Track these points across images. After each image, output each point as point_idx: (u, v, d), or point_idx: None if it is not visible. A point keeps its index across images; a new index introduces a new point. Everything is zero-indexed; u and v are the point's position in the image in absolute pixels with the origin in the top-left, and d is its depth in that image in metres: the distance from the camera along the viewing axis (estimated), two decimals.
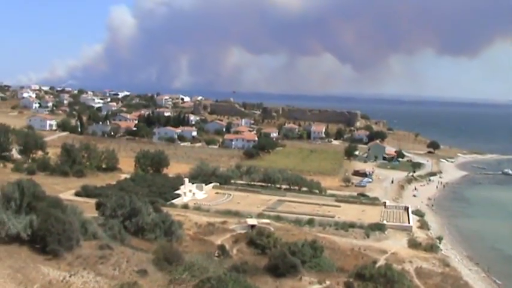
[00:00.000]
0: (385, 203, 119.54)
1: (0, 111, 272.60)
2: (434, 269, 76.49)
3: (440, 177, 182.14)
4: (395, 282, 57.25)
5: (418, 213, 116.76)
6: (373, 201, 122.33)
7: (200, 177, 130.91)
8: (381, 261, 72.19)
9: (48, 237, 48.74)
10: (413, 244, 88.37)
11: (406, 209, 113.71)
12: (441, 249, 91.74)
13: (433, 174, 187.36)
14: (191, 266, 40.64)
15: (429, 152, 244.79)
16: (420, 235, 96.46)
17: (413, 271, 72.28)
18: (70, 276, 24.33)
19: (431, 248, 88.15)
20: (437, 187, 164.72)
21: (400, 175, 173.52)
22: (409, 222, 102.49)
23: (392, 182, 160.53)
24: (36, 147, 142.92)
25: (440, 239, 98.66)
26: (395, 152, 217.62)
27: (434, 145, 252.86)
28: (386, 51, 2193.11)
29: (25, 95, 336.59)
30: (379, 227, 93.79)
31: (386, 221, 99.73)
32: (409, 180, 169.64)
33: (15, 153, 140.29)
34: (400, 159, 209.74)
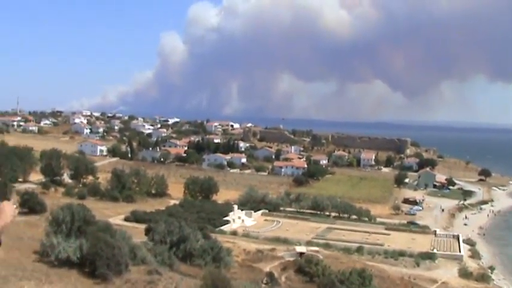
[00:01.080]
0: (435, 231, 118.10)
1: (52, 137, 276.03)
2: None
3: (491, 206, 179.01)
4: None
5: (469, 242, 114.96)
6: (423, 230, 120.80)
7: (249, 204, 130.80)
8: None
9: (97, 261, 48.96)
10: (465, 274, 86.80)
11: (457, 237, 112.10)
12: (493, 279, 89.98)
13: (484, 202, 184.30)
14: None
15: (480, 180, 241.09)
16: (471, 264, 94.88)
17: None
18: None
19: (483, 277, 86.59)
20: (488, 215, 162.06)
21: (450, 203, 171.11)
22: (460, 251, 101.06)
23: (442, 210, 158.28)
24: (86, 172, 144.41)
25: (492, 268, 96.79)
26: (446, 179, 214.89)
27: (485, 173, 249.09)
28: (438, 78, 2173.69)
29: (76, 120, 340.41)
30: (429, 256, 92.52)
31: (437, 250, 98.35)
32: (460, 209, 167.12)
33: (66, 178, 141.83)
34: (450, 187, 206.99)
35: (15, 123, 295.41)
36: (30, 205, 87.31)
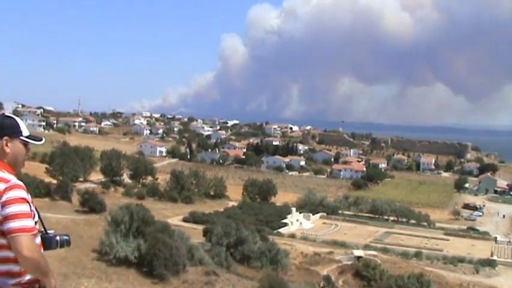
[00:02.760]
0: (496, 237, 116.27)
1: (112, 137, 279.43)
2: None
3: None
4: None
5: None
6: (484, 236, 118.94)
7: (307, 206, 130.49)
8: None
9: (155, 261, 49.34)
10: None
11: None
12: None
13: None
14: None
15: None
16: None
17: None
18: None
19: None
20: None
21: (511, 209, 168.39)
22: None
23: (504, 216, 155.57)
24: (146, 172, 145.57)
25: None
26: (507, 185, 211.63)
27: None
28: (501, 81, 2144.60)
29: (136, 121, 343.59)
30: (489, 263, 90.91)
31: (497, 257, 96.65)
32: None
33: (126, 178, 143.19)
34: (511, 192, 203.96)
35: (76, 123, 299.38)
36: (90, 204, 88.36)
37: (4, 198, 4.34)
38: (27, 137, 4.73)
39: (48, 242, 4.59)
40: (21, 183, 4.48)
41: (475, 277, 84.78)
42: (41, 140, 4.90)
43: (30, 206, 4.49)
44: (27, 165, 4.83)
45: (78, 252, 51.29)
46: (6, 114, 4.80)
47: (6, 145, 4.63)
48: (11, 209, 4.34)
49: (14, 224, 4.33)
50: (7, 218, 4.33)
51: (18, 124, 4.70)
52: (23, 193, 4.41)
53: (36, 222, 4.52)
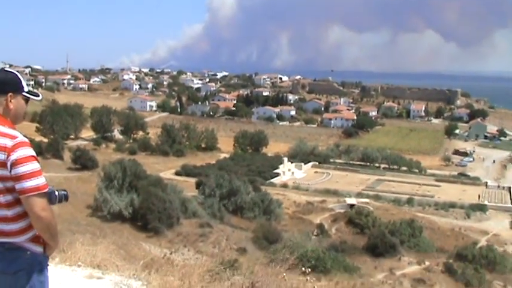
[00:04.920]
0: (486, 183, 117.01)
1: (102, 94, 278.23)
2: None
3: None
4: (497, 264, 56.09)
5: None
6: (474, 181, 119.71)
7: (299, 156, 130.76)
8: (482, 243, 70.79)
9: (149, 215, 49.76)
10: None
11: (509, 189, 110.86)
12: None
13: None
14: (290, 244, 40.61)
15: None
16: None
17: None
18: (171, 254, 24.84)
19: None
20: None
21: (502, 154, 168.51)
22: (511, 203, 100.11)
23: (494, 161, 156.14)
24: (137, 127, 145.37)
25: None
26: (497, 130, 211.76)
27: None
28: (492, 27, 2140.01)
29: (125, 77, 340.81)
30: (480, 208, 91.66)
31: (488, 202, 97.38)
32: None
33: (117, 134, 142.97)
34: (502, 138, 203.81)
35: (65, 81, 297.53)
36: (82, 161, 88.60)
37: (14, 156, 4.32)
38: (27, 92, 4.71)
39: (48, 198, 4.55)
40: (27, 140, 4.50)
41: (466, 222, 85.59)
42: (39, 95, 4.90)
43: (39, 162, 4.55)
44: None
45: (72, 209, 51.54)
46: (6, 69, 4.74)
47: (11, 101, 4.61)
48: (24, 168, 4.35)
49: (28, 184, 4.35)
50: (21, 177, 4.34)
51: (20, 79, 4.66)
52: (31, 150, 4.43)
53: None
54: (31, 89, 4.83)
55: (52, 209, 4.56)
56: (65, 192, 4.79)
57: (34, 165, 4.41)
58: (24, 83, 4.69)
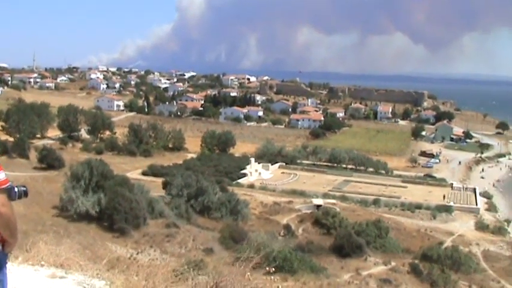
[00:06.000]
0: (452, 184, 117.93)
1: (69, 93, 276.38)
2: (502, 252, 74.83)
3: (509, 159, 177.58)
4: (462, 264, 56.65)
5: (486, 195, 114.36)
6: (440, 183, 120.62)
7: (266, 156, 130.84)
8: (448, 243, 71.50)
9: (115, 215, 49.56)
10: (481, 226, 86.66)
11: (474, 190, 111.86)
12: (509, 232, 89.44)
13: (501, 155, 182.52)
14: (256, 244, 40.62)
15: (498, 133, 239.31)
16: (488, 217, 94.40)
17: (481, 254, 71.02)
18: (137, 254, 24.83)
19: (499, 230, 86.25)
20: (504, 169, 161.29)
21: (467, 156, 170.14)
22: (476, 204, 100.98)
23: (459, 163, 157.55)
24: (104, 127, 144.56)
25: (508, 221, 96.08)
26: (463, 132, 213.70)
27: (503, 126, 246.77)
28: (461, 30, 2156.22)
29: (93, 76, 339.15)
30: (446, 209, 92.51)
31: (454, 203, 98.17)
32: (477, 162, 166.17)
33: (83, 133, 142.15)
34: (467, 140, 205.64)
35: (31, 80, 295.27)
36: (48, 161, 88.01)
37: None
38: None
39: (8, 194, 4.49)
40: None
41: (432, 223, 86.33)
42: None
43: None
44: None
45: (38, 209, 51.20)
46: None
47: None
48: None
49: None
50: None
51: None
52: None
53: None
54: None
55: (12, 205, 4.46)
56: (25, 188, 4.69)
57: None
58: None
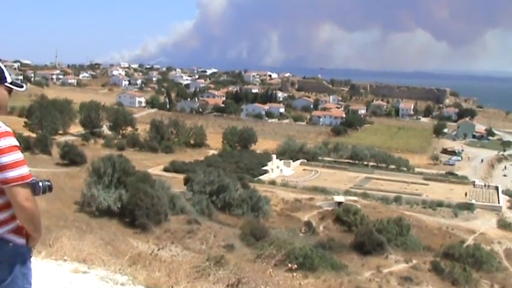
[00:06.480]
0: (474, 182, 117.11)
1: (90, 89, 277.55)
2: None
3: None
4: (484, 262, 56.34)
5: (509, 193, 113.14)
6: (462, 180, 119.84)
7: (287, 153, 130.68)
8: (469, 241, 71.00)
9: (137, 211, 49.69)
10: (503, 225, 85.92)
11: (496, 188, 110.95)
12: None
13: None
14: (278, 241, 40.63)
15: None
16: (510, 215, 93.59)
17: (503, 252, 70.53)
18: (159, 250, 24.83)
19: None
20: None
21: (489, 154, 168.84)
22: (498, 202, 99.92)
23: (481, 161, 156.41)
24: (125, 123, 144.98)
25: None
26: (485, 130, 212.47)
27: None
28: (483, 27, 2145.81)
29: (115, 72, 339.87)
30: (467, 207, 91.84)
31: (475, 201, 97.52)
32: (499, 159, 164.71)
33: (105, 130, 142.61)
34: (490, 137, 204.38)
35: (54, 76, 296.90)
36: (70, 157, 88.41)
37: None
38: (10, 83, 4.56)
39: (32, 189, 4.45)
40: (10, 129, 4.41)
41: (454, 220, 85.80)
42: (23, 86, 4.78)
43: (22, 152, 4.46)
44: (5, 120, 4.79)
45: (60, 204, 51.44)
46: None
47: None
48: (7, 158, 4.26)
49: (12, 174, 4.27)
50: (4, 167, 4.25)
51: (2, 70, 4.55)
52: (15, 140, 4.34)
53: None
54: (14, 79, 4.73)
55: (35, 200, 4.48)
56: (49, 183, 4.71)
57: (18, 155, 4.33)
58: (6, 73, 4.57)
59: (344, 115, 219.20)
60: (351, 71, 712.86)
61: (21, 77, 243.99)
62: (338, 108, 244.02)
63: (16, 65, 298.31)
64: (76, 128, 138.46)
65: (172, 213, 54.75)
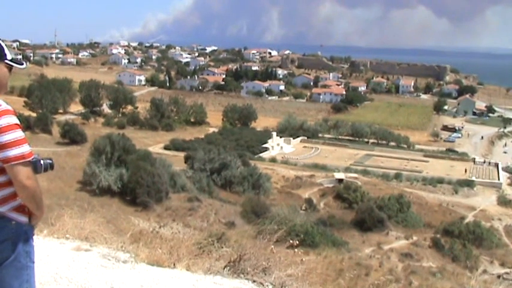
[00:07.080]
0: (474, 158, 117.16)
1: (90, 68, 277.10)
2: None
3: None
4: (484, 239, 56.52)
5: (509, 169, 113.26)
6: (462, 157, 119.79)
7: (288, 131, 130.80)
8: (469, 218, 71.17)
9: (138, 190, 49.77)
10: (503, 201, 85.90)
11: (496, 165, 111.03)
12: None
13: None
14: (278, 218, 40.64)
15: None
16: (510, 192, 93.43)
17: (502, 229, 70.64)
18: (160, 227, 24.90)
19: None
20: None
21: (490, 131, 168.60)
22: (498, 179, 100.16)
23: (482, 137, 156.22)
24: (125, 102, 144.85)
25: None
26: (486, 107, 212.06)
27: None
28: (485, 4, 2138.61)
29: (114, 51, 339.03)
30: (467, 183, 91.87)
31: (476, 177, 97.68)
32: (500, 136, 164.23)
33: (105, 108, 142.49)
34: (490, 114, 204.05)
35: (53, 55, 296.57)
36: (71, 136, 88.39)
37: None
38: (10, 60, 4.50)
39: (33, 167, 4.44)
40: (11, 107, 4.39)
41: (454, 197, 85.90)
42: (23, 63, 4.72)
43: (23, 131, 4.44)
44: (4, 99, 4.76)
45: (61, 183, 51.55)
46: None
47: None
48: (8, 137, 4.24)
49: (12, 152, 4.25)
50: (5, 146, 4.23)
51: (2, 47, 4.49)
52: (15, 119, 4.31)
53: None
54: (14, 56, 4.69)
55: (37, 178, 4.48)
56: (50, 161, 4.70)
57: (18, 133, 4.31)
58: (6, 51, 4.51)
59: (344, 92, 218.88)
60: (351, 48, 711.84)
61: (20, 57, 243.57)
62: (338, 85, 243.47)
63: (15, 44, 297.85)
64: (76, 107, 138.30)
65: (173, 191, 54.83)
